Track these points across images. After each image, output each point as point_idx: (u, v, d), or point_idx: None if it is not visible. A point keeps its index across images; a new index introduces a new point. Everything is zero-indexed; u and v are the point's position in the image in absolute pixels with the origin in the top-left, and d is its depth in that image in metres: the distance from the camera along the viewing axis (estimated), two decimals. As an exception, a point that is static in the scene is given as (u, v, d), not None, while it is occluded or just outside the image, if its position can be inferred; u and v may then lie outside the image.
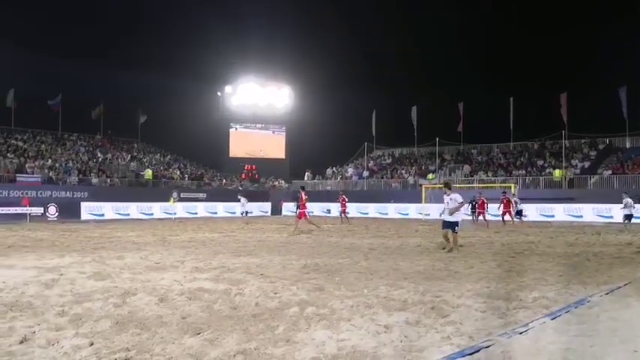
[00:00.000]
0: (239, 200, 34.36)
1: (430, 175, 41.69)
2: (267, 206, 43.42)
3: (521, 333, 5.52)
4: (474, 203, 29.14)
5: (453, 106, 45.79)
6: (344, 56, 55.33)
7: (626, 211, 23.45)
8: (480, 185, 35.86)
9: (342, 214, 29.40)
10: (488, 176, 39.45)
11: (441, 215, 14.38)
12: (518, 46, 53.39)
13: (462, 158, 44.84)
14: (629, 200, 23.43)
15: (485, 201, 28.09)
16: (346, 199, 30.05)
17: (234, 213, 39.44)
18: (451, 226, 13.73)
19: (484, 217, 27.72)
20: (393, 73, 56.29)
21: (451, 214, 13.61)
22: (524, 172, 38.80)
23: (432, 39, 55.17)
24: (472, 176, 40.19)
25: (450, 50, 55.74)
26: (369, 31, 57.80)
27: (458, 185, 37.92)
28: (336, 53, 54.62)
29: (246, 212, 34.35)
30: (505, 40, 53.30)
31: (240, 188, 46.61)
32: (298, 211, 22.44)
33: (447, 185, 14.43)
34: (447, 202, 13.71)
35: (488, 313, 6.55)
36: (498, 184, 35.90)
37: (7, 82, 40.88)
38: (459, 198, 13.73)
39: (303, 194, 22.32)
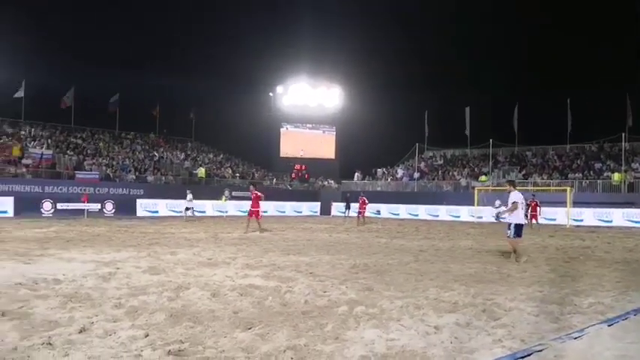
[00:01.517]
0: (186, 196, 29.92)
1: (483, 177, 40.99)
2: (316, 206, 43.60)
3: (575, 338, 5.39)
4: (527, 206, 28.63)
5: (508, 107, 44.93)
6: (395, 56, 54.99)
7: None
8: (534, 188, 35.05)
9: (360, 215, 28.99)
10: (543, 179, 38.49)
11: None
12: (576, 44, 51.81)
13: (516, 160, 43.94)
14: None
15: (539, 204, 27.46)
16: (367, 202, 29.52)
17: (284, 212, 39.80)
18: (513, 229, 12.43)
19: (536, 220, 27.07)
20: (446, 74, 55.56)
21: (504, 214, 12.80)
22: (580, 175, 37.69)
23: (487, 39, 54.24)
24: (526, 179, 39.29)
25: (505, 50, 54.72)
26: (421, 30, 57.19)
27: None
28: (388, 53, 54.36)
29: (192, 209, 30.05)
30: (562, 38, 51.89)
31: (290, 187, 46.99)
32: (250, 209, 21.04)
33: (511, 183, 13.36)
34: (506, 203, 12.76)
35: (541, 317, 6.43)
36: (553, 188, 35.01)
37: (67, 82, 42.42)
38: (513, 198, 12.48)
39: (255, 192, 21.04)
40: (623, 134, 37.13)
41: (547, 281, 9.33)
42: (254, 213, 20.80)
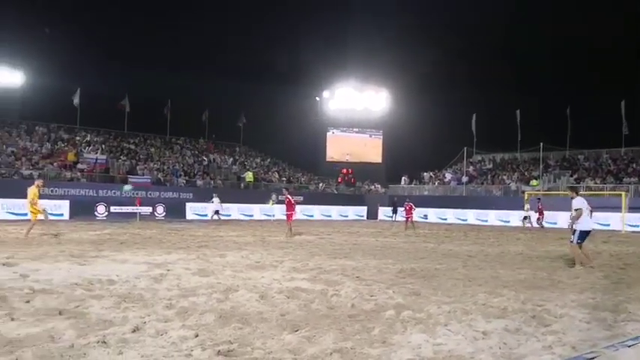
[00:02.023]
0: (211, 200, 31.26)
1: (534, 182, 40.11)
2: (363, 210, 43.53)
3: (629, 346, 5.24)
4: None
5: (559, 109, 43.86)
6: (443, 58, 54.41)
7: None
8: (587, 193, 34.09)
9: (408, 221, 28.69)
10: (596, 183, 37.39)
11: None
12: (629, 43, 50.20)
13: (567, 164, 42.84)
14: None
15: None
16: (414, 207, 29.20)
17: (330, 216, 39.88)
18: (577, 235, 12.09)
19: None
20: (496, 76, 54.64)
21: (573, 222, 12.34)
22: (636, 179, 36.43)
23: (538, 40, 53.16)
24: (578, 183, 38.24)
25: (557, 51, 53.44)
26: (469, 33, 56.47)
27: (563, 192, 36.30)
28: (435, 55, 53.78)
29: (217, 212, 30.83)
30: (617, 39, 50.35)
31: (336, 192, 47.05)
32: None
33: (573, 190, 13.16)
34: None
35: (593, 324, 6.27)
36: (607, 192, 33.97)
37: (120, 89, 43.75)
38: (575, 204, 12.13)
39: (288, 196, 21.06)
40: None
41: (600, 288, 9.09)
42: (288, 217, 20.95)
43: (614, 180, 37.32)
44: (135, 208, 30.70)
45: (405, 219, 29.05)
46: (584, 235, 12.16)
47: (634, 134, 40.79)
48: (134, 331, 5.61)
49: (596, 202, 28.31)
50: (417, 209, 31.87)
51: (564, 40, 52.91)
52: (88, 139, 39.93)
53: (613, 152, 42.21)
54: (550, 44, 53.30)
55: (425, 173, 47.98)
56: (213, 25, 56.71)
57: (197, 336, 5.47)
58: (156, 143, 44.54)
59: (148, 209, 32.10)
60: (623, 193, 31.27)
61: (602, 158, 42.30)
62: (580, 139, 43.34)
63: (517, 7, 53.51)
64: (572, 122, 43.14)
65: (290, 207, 20.79)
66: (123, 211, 31.11)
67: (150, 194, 33.99)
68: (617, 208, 30.07)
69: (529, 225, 31.03)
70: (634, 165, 38.92)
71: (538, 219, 30.93)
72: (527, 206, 31.55)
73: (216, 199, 30.35)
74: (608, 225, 30.17)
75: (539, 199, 32.40)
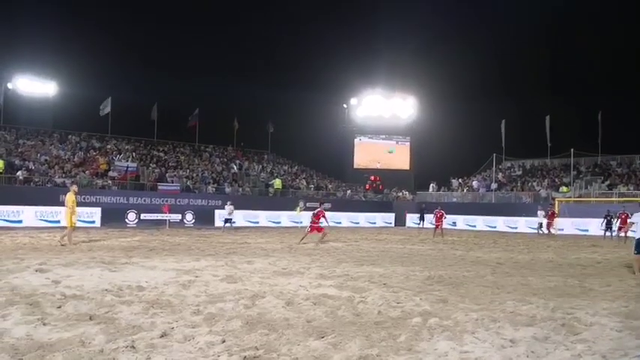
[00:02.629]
0: (224, 207, 30.60)
1: (564, 188, 39.43)
2: (390, 217, 43.33)
3: (661, 356, 5.14)
4: (608, 218, 27.91)
5: (590, 114, 43.14)
6: (471, 65, 54.04)
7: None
8: (621, 199, 33.44)
9: (437, 228, 28.46)
10: (629, 189, 36.60)
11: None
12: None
13: (599, 170, 42.05)
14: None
15: (630, 215, 26.27)
16: (445, 215, 28.93)
17: (358, 223, 39.80)
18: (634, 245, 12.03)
19: (625, 232, 25.85)
20: (525, 82, 54.10)
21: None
22: (671, 185, 35.63)
23: (568, 45, 52.47)
24: (610, 190, 37.50)
25: (586, 56, 52.64)
26: (497, 38, 56.05)
27: (595, 199, 35.68)
28: (463, 62, 53.48)
29: (230, 220, 29.83)
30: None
31: (364, 198, 46.95)
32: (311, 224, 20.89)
33: None
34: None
35: (625, 333, 6.16)
36: (641, 198, 33.27)
37: (150, 97, 44.44)
38: (635, 218, 12.09)
39: (322, 209, 21.21)
40: None
41: (633, 296, 8.91)
42: (315, 228, 20.70)
43: (648, 186, 36.53)
44: (164, 215, 31.04)
45: (434, 226, 28.86)
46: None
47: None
48: (162, 336, 5.71)
49: (630, 208, 27.74)
50: (447, 216, 31.66)
51: (595, 43, 52.16)
52: (119, 147, 40.57)
53: (647, 158, 41.33)
54: (581, 48, 52.49)
55: (453, 180, 47.57)
56: (242, 34, 57.32)
57: (224, 342, 5.53)
58: (185, 151, 45.03)
59: (177, 216, 32.43)
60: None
61: (636, 164, 41.43)
62: (612, 144, 42.57)
63: (547, 11, 52.92)
64: (604, 127, 42.35)
65: (318, 218, 20.76)
66: (153, 218, 31.50)
67: (179, 201, 34.35)
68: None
69: (541, 232, 30.80)
70: (669, 171, 38.06)
71: (548, 224, 30.48)
72: (542, 213, 31.14)
73: (229, 207, 29.99)
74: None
75: (551, 204, 32.43)
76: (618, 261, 15.44)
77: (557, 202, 34.73)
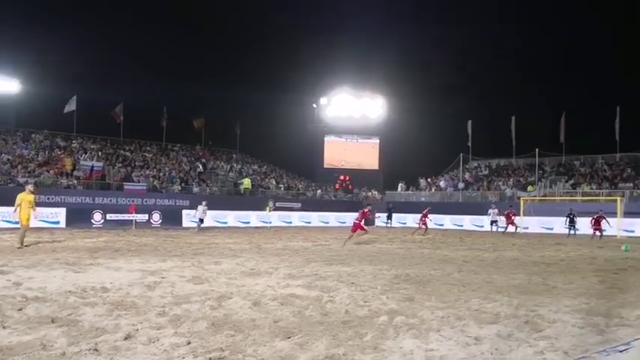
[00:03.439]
0: (197, 207, 29.41)
1: (530, 187, 40.13)
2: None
3: (621, 351, 5.26)
4: (571, 217, 28.57)
5: (554, 116, 44.02)
6: (439, 66, 54.69)
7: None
8: (585, 198, 34.18)
9: (421, 227, 28.80)
10: (592, 189, 37.44)
11: None
12: (623, 50, 50.57)
13: (563, 170, 42.91)
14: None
15: (605, 217, 27.08)
16: (427, 214, 29.26)
17: (328, 223, 39.85)
18: None
19: (601, 233, 26.58)
20: (491, 83, 54.94)
21: None
22: (631, 184, 36.51)
23: (534, 48, 53.40)
24: (574, 189, 38.31)
25: (551, 59, 53.69)
26: (465, 40, 56.78)
27: (559, 198, 36.38)
28: (431, 62, 54.06)
29: (201, 220, 29.04)
30: (609, 45, 50.68)
31: (334, 198, 47.06)
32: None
33: None
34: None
35: (586, 330, 6.28)
36: (603, 198, 34.03)
37: (116, 96, 43.77)
38: None
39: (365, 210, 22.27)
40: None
41: (594, 293, 9.11)
42: (358, 226, 21.47)
43: (609, 185, 37.40)
44: (130, 215, 30.64)
45: (419, 224, 29.21)
46: None
47: (628, 140, 40.97)
48: (126, 338, 5.62)
49: (592, 207, 28.47)
50: (414, 215, 31.89)
51: (560, 46, 53.26)
52: (85, 146, 39.85)
53: (608, 158, 42.31)
54: (545, 51, 53.50)
55: (421, 180, 47.96)
56: (209, 33, 56.74)
57: (189, 343, 5.48)
58: (152, 150, 44.50)
59: (144, 217, 32.03)
60: (619, 198, 31.35)
61: (598, 164, 42.40)
62: (575, 144, 43.51)
63: (514, 14, 53.82)
64: (567, 128, 43.24)
65: (363, 217, 21.81)
66: (119, 218, 31.05)
67: (145, 201, 33.92)
68: (612, 214, 30.08)
69: (496, 229, 31.53)
70: (629, 170, 39.01)
71: (510, 223, 30.44)
72: (494, 211, 31.56)
73: (202, 207, 29.13)
74: (604, 230, 30.15)
75: (511, 206, 32.65)
76: (582, 259, 15.79)
77: (522, 201, 35.28)
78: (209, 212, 30.90)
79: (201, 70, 56.83)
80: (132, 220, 30.49)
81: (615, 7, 50.44)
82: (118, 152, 40.86)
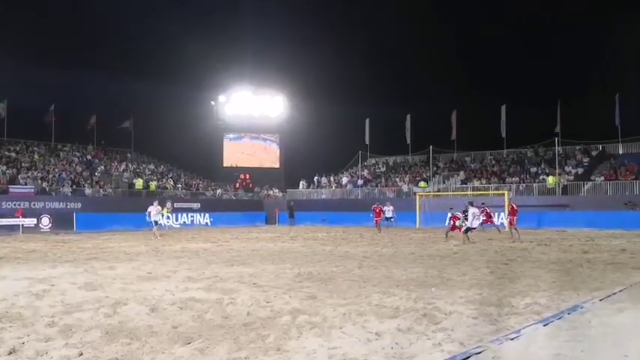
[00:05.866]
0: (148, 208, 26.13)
1: (422, 184, 41.62)
2: (261, 215, 43.31)
3: (512, 339, 5.52)
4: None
5: (447, 114, 45.96)
6: (337, 64, 55.45)
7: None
8: (475, 193, 35.87)
9: (377, 223, 29.44)
10: (482, 184, 39.48)
11: None
12: (511, 53, 53.77)
13: (455, 166, 44.90)
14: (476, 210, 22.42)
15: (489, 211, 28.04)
16: (376, 210, 29.72)
17: (229, 222, 39.36)
18: None
19: (493, 224, 27.52)
20: (387, 82, 56.51)
21: None
22: (517, 179, 38.86)
23: (425, 48, 55.36)
24: (466, 184, 40.22)
25: (443, 58, 55.93)
26: (361, 39, 58.01)
27: (452, 193, 38.03)
28: (330, 61, 54.66)
29: (157, 223, 25.99)
30: (498, 47, 53.66)
31: (234, 197, 46.58)
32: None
33: None
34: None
35: (479, 320, 6.56)
36: (492, 192, 35.93)
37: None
38: None
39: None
40: (556, 139, 38.55)
41: (486, 284, 9.55)
42: (455, 227, 21.74)
43: (497, 180, 39.57)
44: (17, 220, 28.76)
45: (375, 221, 29.54)
46: None
47: (513, 137, 43.55)
48: (10, 353, 5.27)
49: (483, 201, 29.87)
50: (314, 213, 32.18)
51: (450, 46, 55.71)
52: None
53: (496, 154, 44.78)
54: (436, 51, 55.66)
55: (316, 177, 48.24)
56: (98, 21, 54.05)
57: (81, 354, 5.19)
58: (40, 150, 41.97)
59: (32, 221, 30.12)
60: (506, 192, 33.16)
61: (487, 159, 44.75)
62: (466, 142, 45.65)
63: (406, 13, 55.63)
64: (459, 125, 45.29)
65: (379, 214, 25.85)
66: (3, 223, 29.02)
67: (34, 205, 31.90)
68: (502, 207, 31.74)
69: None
70: (515, 166, 41.47)
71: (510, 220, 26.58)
72: (389, 209, 31.00)
73: (155, 207, 25.99)
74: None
75: (483, 203, 28.04)
76: (474, 251, 16.56)
77: (417, 197, 36.51)
78: (103, 215, 29.47)
79: (92, 64, 54.01)
80: (19, 225, 28.64)
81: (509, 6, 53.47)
82: (2, 153, 38.19)
